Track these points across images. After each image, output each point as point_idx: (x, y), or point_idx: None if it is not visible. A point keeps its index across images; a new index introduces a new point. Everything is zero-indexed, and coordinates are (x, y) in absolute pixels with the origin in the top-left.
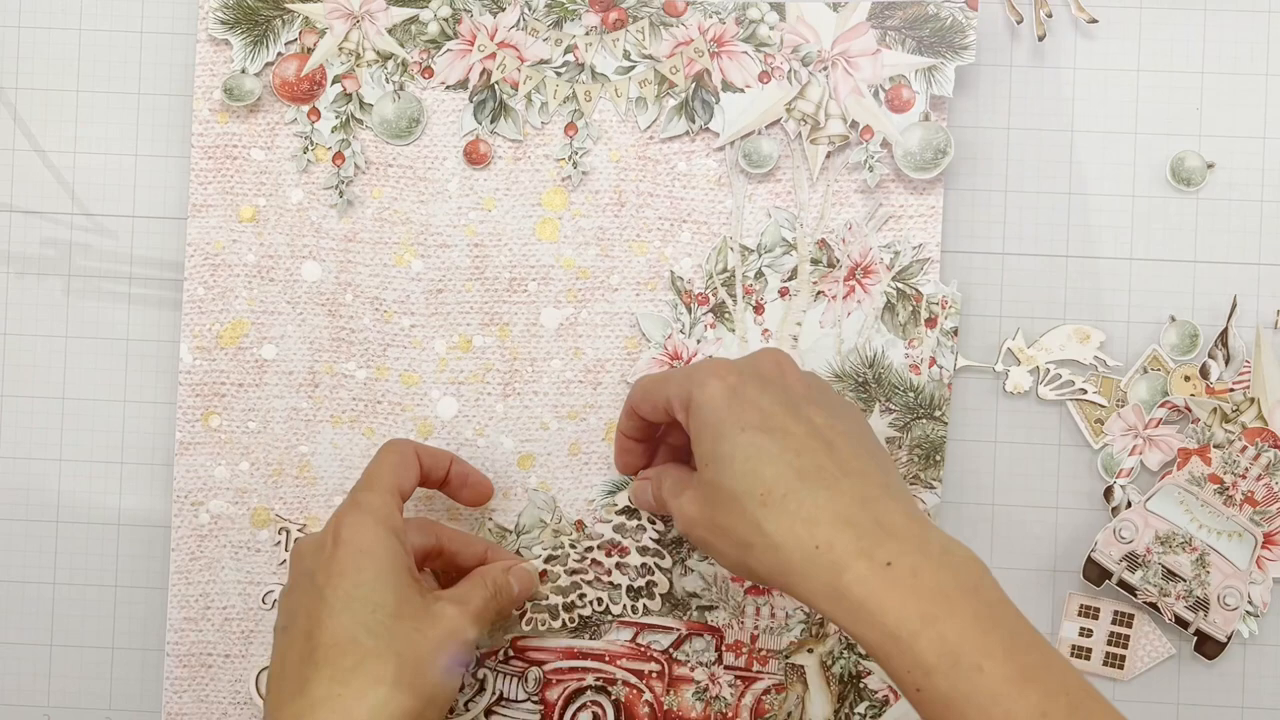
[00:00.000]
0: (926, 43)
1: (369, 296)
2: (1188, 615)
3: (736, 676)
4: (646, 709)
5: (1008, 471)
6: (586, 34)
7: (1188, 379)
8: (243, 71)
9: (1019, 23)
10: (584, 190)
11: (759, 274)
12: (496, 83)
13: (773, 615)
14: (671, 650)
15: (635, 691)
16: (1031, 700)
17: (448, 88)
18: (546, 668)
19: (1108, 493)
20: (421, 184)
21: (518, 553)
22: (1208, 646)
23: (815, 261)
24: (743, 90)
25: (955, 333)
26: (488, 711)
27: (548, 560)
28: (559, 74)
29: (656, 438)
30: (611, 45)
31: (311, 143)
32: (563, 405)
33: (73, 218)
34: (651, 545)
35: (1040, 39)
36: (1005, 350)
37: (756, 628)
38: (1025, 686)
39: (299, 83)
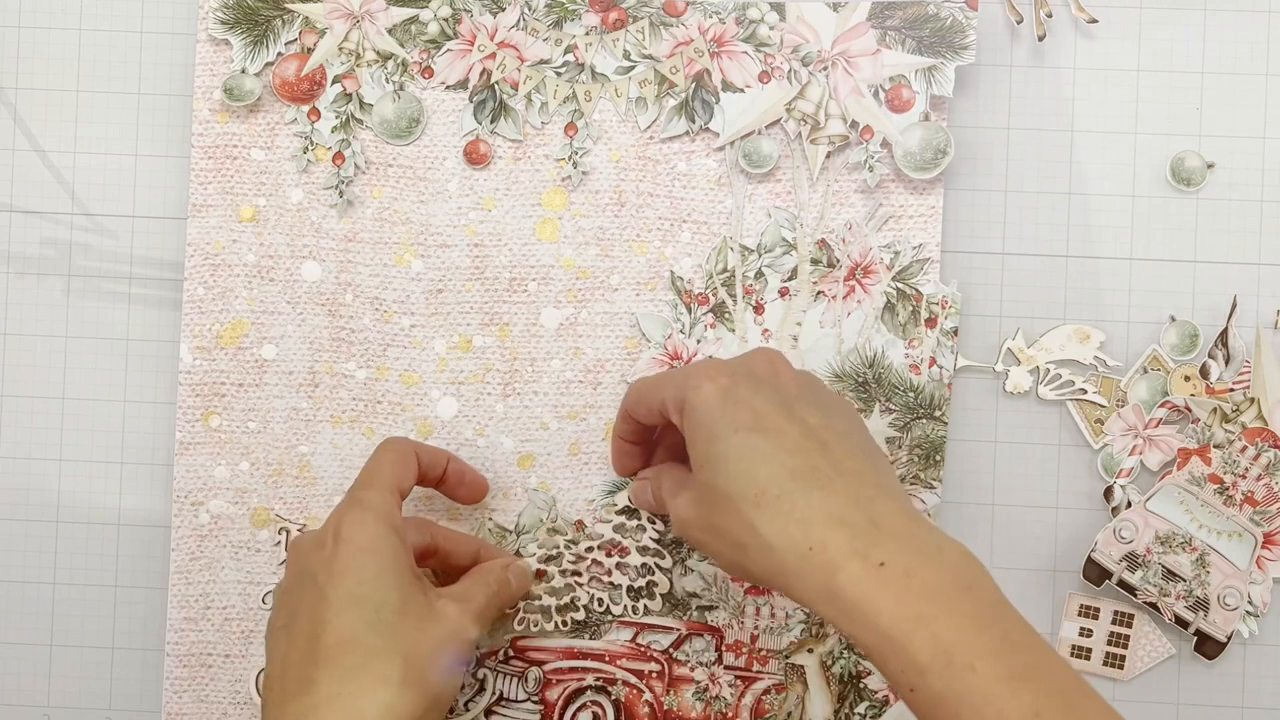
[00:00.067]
0: (926, 43)
1: (369, 296)
2: (1188, 615)
3: (736, 676)
4: (646, 709)
5: (1008, 471)
6: (586, 34)
7: (1188, 379)
8: (243, 71)
9: (1019, 23)
10: (584, 190)
11: (759, 274)
12: (496, 83)
13: (773, 615)
14: (671, 650)
15: (635, 691)
16: (1025, 700)
17: (448, 88)
18: (546, 668)
19: (1108, 493)
20: (421, 184)
21: (517, 553)
22: (1208, 646)
23: (815, 261)
24: (743, 90)
25: (955, 333)
26: (488, 711)
27: (543, 560)
28: (559, 74)
29: (654, 439)
30: (611, 45)
31: (311, 143)
32: (563, 405)
33: (73, 218)
34: (652, 545)
35: (1040, 39)
36: (1005, 350)
37: (756, 628)
38: (1018, 686)
39: (299, 83)
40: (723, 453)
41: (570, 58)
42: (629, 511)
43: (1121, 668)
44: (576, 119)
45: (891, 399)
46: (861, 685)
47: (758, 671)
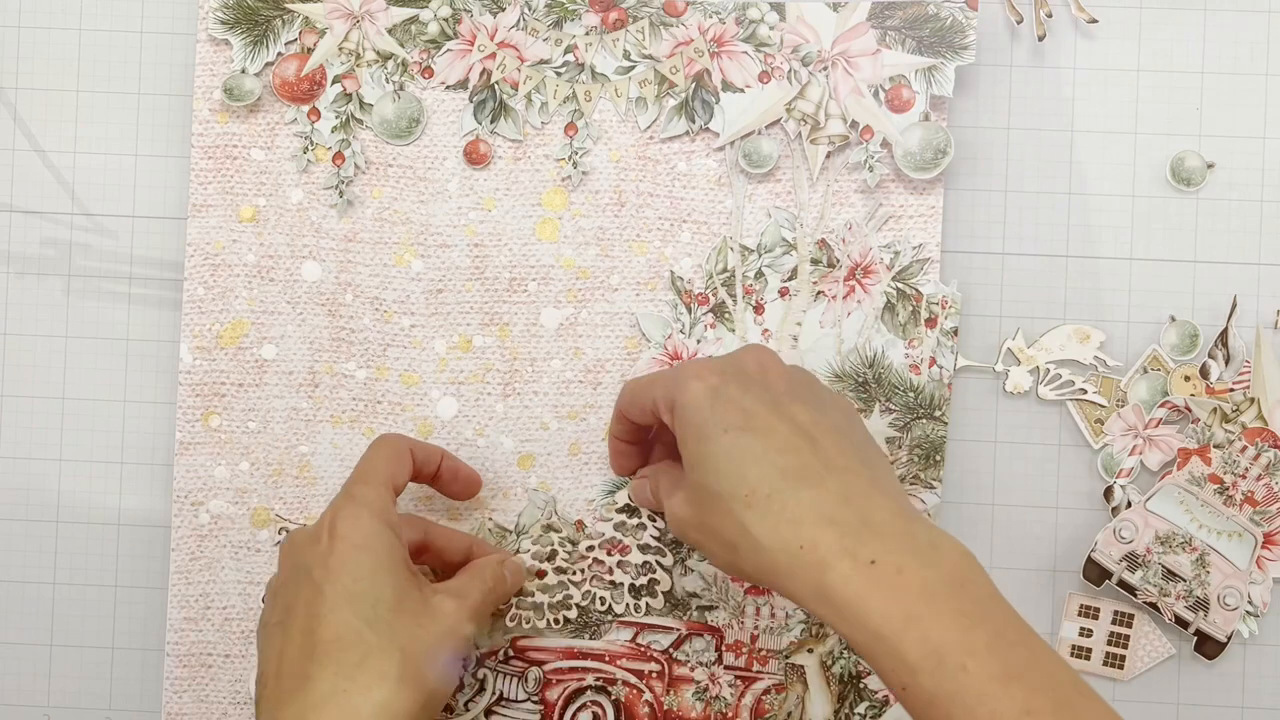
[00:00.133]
0: (926, 43)
1: (369, 296)
2: (1188, 615)
3: (736, 676)
4: (646, 709)
5: (1008, 471)
6: (586, 34)
7: (1188, 379)
8: (243, 71)
9: (1019, 23)
10: (584, 190)
11: (759, 274)
12: (496, 83)
13: (773, 615)
14: (671, 650)
15: (635, 691)
16: (1016, 699)
17: (448, 88)
18: (546, 668)
19: (1108, 493)
20: (421, 184)
21: (516, 552)
22: (1208, 646)
23: (815, 261)
24: (743, 90)
25: (955, 333)
26: (488, 711)
27: (537, 557)
28: (559, 74)
29: (651, 438)
30: (611, 45)
31: (311, 143)
32: (563, 405)
33: (73, 218)
34: (653, 543)
35: (1040, 39)
36: (1005, 350)
37: (756, 628)
38: (1010, 685)
39: (299, 83)
40: (712, 453)
41: (570, 58)
42: (629, 510)
43: (1121, 668)
44: (576, 119)
45: (891, 399)
46: (861, 685)
47: (758, 671)
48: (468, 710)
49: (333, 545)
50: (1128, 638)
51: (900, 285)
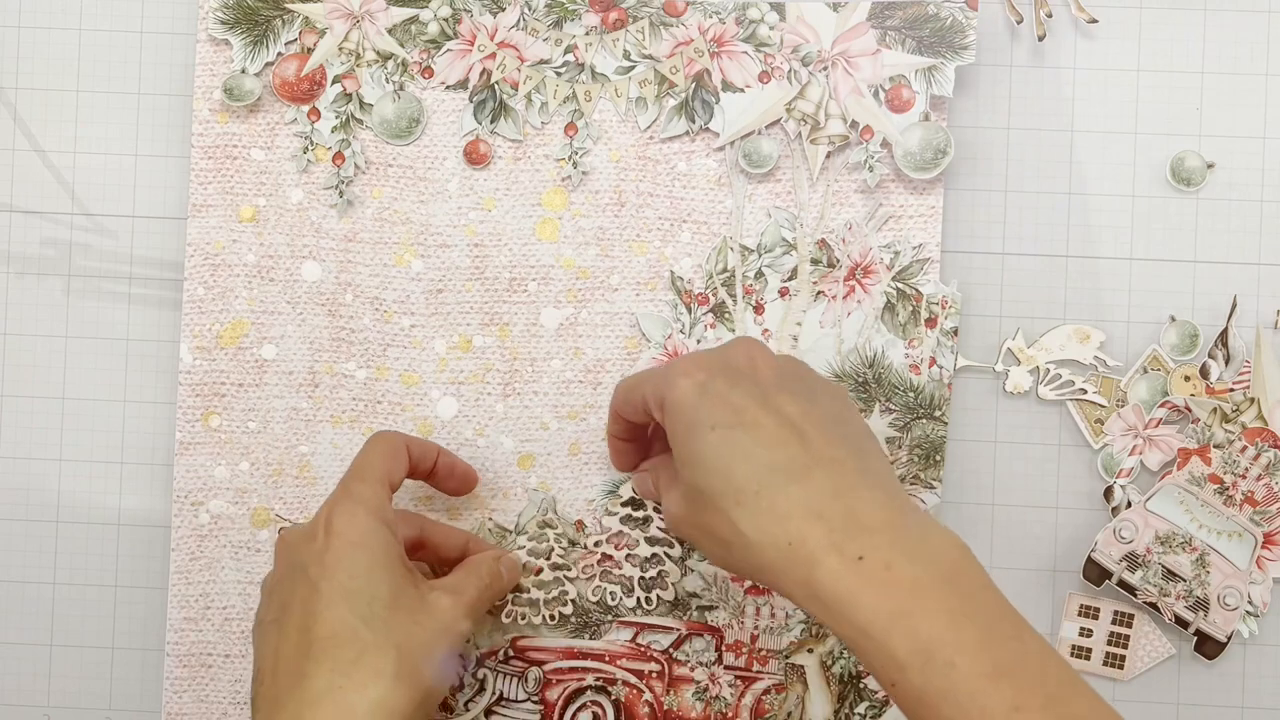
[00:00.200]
0: (926, 43)
1: (369, 296)
2: (1188, 615)
3: (736, 676)
4: (646, 709)
5: (1008, 471)
6: (586, 34)
7: (1188, 379)
8: (243, 71)
9: (1019, 23)
10: (584, 190)
11: (759, 274)
12: (496, 83)
13: (773, 615)
14: (671, 650)
15: (635, 691)
16: (1005, 696)
17: (448, 88)
18: (546, 668)
19: (1108, 493)
20: (421, 184)
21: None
22: (1208, 646)
23: (815, 261)
24: (743, 90)
25: (955, 333)
26: (488, 711)
27: (533, 554)
28: (559, 74)
29: (649, 434)
30: (611, 45)
31: (311, 143)
32: (563, 405)
33: (73, 218)
34: (660, 535)
35: (1040, 39)
36: (1005, 350)
37: (756, 628)
38: (999, 681)
39: (299, 83)
40: (701, 450)
41: (570, 58)
42: (634, 503)
43: (1121, 668)
44: (576, 119)
45: (891, 399)
46: (861, 685)
47: (758, 671)
48: (468, 710)
49: (329, 542)
50: (1128, 638)
51: (900, 285)
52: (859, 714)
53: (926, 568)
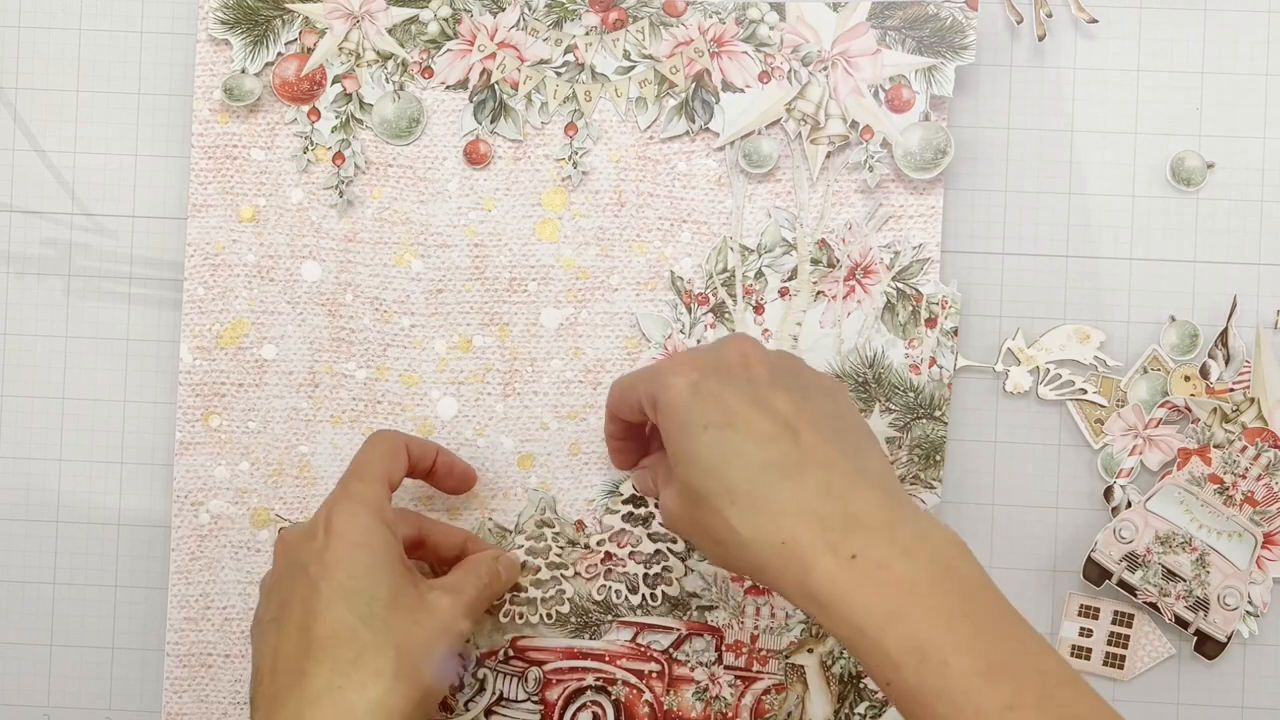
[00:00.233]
0: (926, 43)
1: (369, 296)
2: (1188, 615)
3: (736, 676)
4: (646, 709)
5: (1008, 471)
6: (586, 34)
7: (1188, 379)
8: (243, 71)
9: (1019, 23)
10: (584, 190)
11: (759, 274)
12: (496, 83)
13: (773, 615)
14: (671, 650)
15: (635, 691)
16: (999, 695)
17: (448, 88)
18: (546, 668)
19: (1108, 493)
20: (421, 184)
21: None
22: (1208, 646)
23: (815, 261)
24: (743, 90)
25: (955, 333)
26: (488, 711)
27: (530, 553)
28: (559, 74)
29: (647, 431)
30: (611, 45)
31: (311, 143)
32: (563, 405)
33: (73, 218)
34: (662, 531)
35: (1040, 39)
36: (1005, 350)
37: (756, 628)
38: (993, 680)
39: (299, 83)
40: (694, 450)
41: (570, 58)
42: (635, 500)
43: (1121, 668)
44: (576, 119)
45: (891, 399)
46: (861, 685)
47: (758, 671)
48: (468, 710)
49: (328, 541)
50: (1128, 638)
51: (900, 285)
52: (859, 714)
53: (921, 566)
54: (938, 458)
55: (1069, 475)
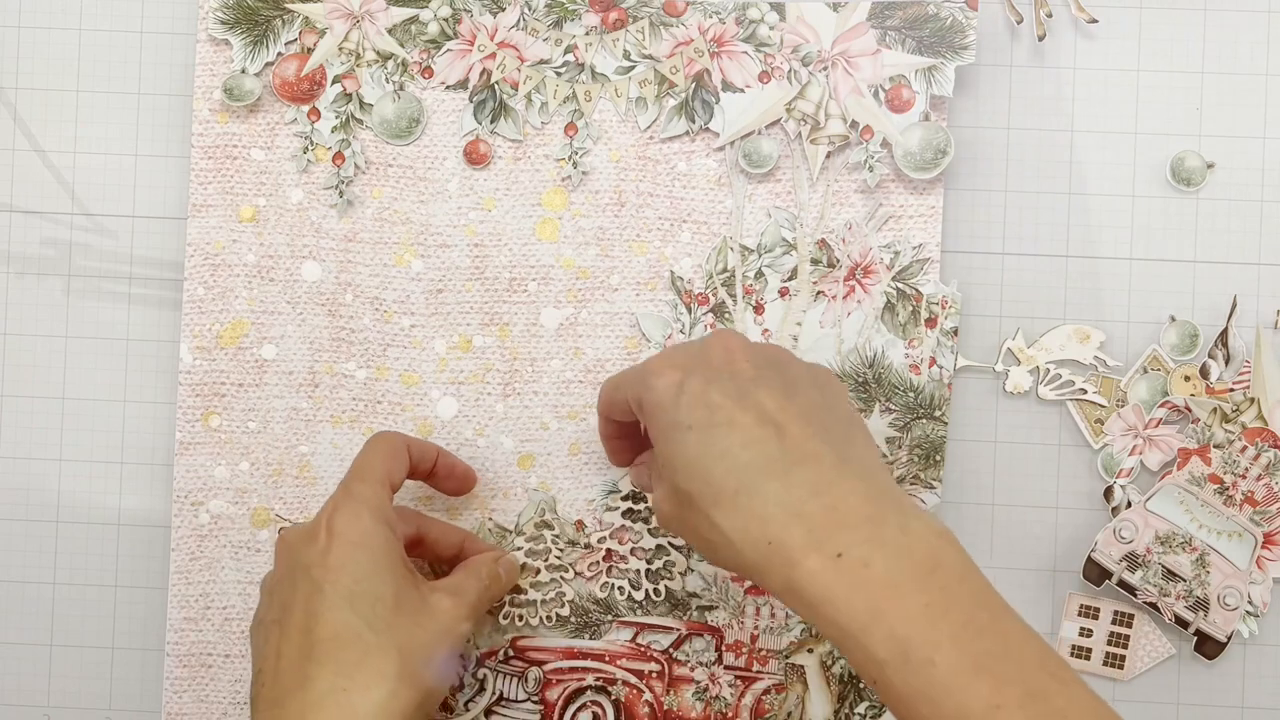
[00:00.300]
0: (926, 43)
1: (369, 296)
2: (1188, 615)
3: (736, 676)
4: (646, 709)
5: (1008, 471)
6: (586, 34)
7: (1188, 379)
8: (243, 71)
9: (1019, 23)
10: (584, 190)
11: (759, 274)
12: (496, 83)
13: (773, 615)
14: (671, 650)
15: (635, 691)
16: (984, 692)
17: (448, 88)
18: (546, 668)
19: (1108, 493)
20: (421, 184)
21: (512, 550)
22: (1208, 646)
23: (815, 261)
24: (743, 90)
25: (955, 333)
26: (488, 711)
27: (530, 555)
28: (559, 74)
29: (641, 430)
30: (611, 45)
31: (311, 143)
32: (563, 405)
33: (73, 218)
34: None
35: (1040, 39)
36: (1005, 350)
37: (756, 628)
38: (978, 678)
39: (299, 83)
40: (680, 453)
41: (570, 58)
42: (634, 497)
43: (1121, 668)
44: (576, 119)
45: (891, 399)
46: (861, 685)
47: (758, 671)
48: (468, 710)
49: (331, 543)
50: (1128, 638)
51: (900, 285)
52: (859, 714)
53: (906, 562)
54: (938, 458)
55: (1069, 475)
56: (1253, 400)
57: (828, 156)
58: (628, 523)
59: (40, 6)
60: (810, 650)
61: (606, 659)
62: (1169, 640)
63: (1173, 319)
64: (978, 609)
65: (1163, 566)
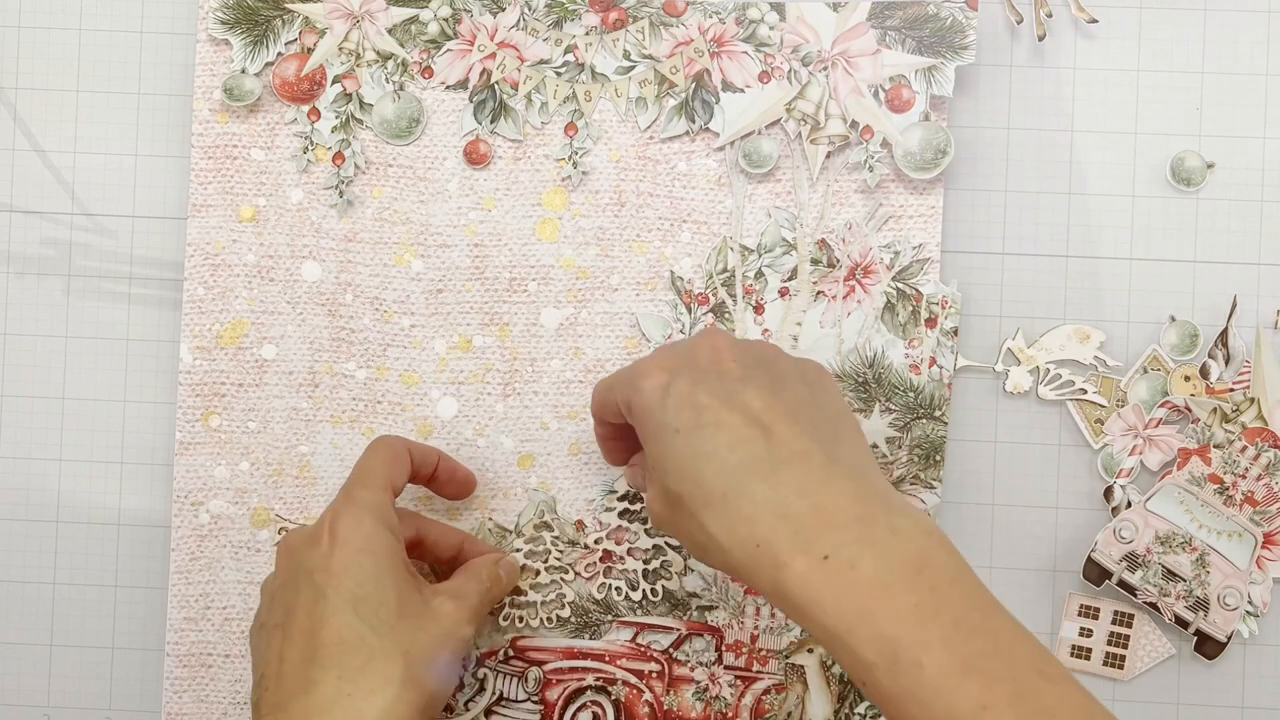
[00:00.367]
0: (926, 43)
1: (369, 296)
2: (1188, 615)
3: (736, 676)
4: (646, 709)
5: (1008, 471)
6: (586, 34)
7: (1188, 379)
8: (243, 71)
9: (1019, 23)
10: (584, 190)
11: (759, 274)
12: (496, 83)
13: (773, 615)
14: (671, 650)
15: (635, 691)
16: (973, 693)
17: (448, 88)
18: (546, 668)
19: (1108, 493)
20: (421, 184)
21: (512, 552)
22: (1208, 646)
23: (815, 261)
24: (743, 90)
25: (955, 333)
26: (488, 711)
27: (529, 557)
28: (559, 74)
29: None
30: (611, 45)
31: (311, 143)
32: (563, 405)
33: (73, 218)
34: None
35: (1040, 39)
36: (1005, 350)
37: (756, 628)
38: (967, 678)
39: (299, 83)
40: (668, 455)
41: (570, 58)
42: (631, 496)
43: (1121, 668)
44: (576, 119)
45: (891, 399)
46: None
47: (758, 671)
48: (468, 710)
49: (334, 548)
50: (1128, 638)
51: (900, 285)
52: (859, 714)
53: (893, 563)
54: (938, 458)
55: (1069, 475)
56: (1253, 400)
57: (828, 156)
58: (624, 523)
59: (40, 6)
60: (810, 650)
61: (606, 659)
62: (1169, 640)
63: (1173, 319)
64: (968, 609)
65: (1163, 566)
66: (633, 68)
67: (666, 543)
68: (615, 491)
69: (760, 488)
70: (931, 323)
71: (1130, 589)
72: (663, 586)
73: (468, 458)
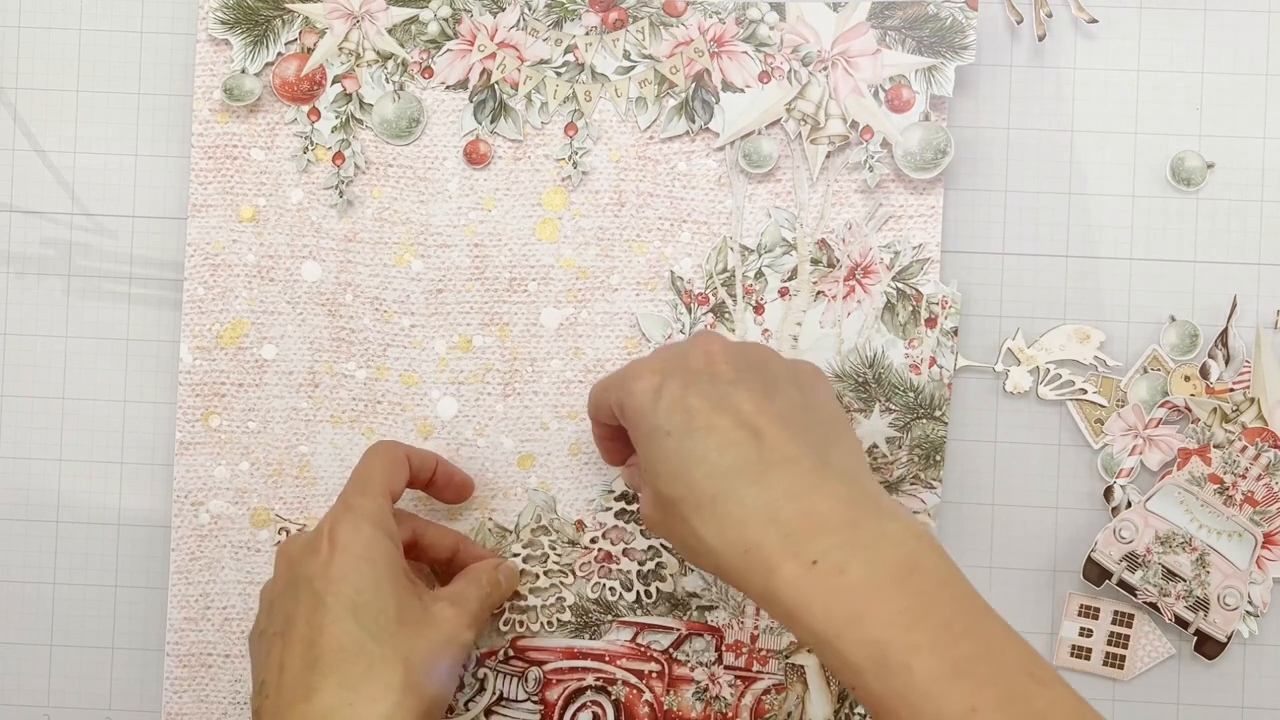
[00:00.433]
0: (926, 43)
1: (369, 296)
2: (1188, 615)
3: (736, 676)
4: (646, 709)
5: (1008, 471)
6: (586, 34)
7: (1188, 379)
8: (243, 71)
9: (1019, 23)
10: (584, 190)
11: (759, 274)
12: (496, 83)
13: None
14: (671, 650)
15: (635, 691)
16: (961, 697)
17: (448, 88)
18: (546, 668)
19: (1108, 493)
20: (421, 184)
21: (511, 555)
22: (1208, 646)
23: (815, 261)
24: (743, 90)
25: (955, 333)
26: (488, 711)
27: (528, 560)
28: (559, 74)
29: None
30: (611, 45)
31: (311, 143)
32: (563, 405)
33: (73, 218)
34: None
35: (1040, 39)
36: (1005, 350)
37: (756, 628)
38: (956, 682)
39: (299, 83)
40: (659, 458)
41: (570, 58)
42: (628, 496)
43: (1121, 668)
44: (576, 119)
45: (891, 399)
46: None
47: (758, 671)
48: (468, 710)
49: (333, 555)
50: (1128, 638)
51: (900, 285)
52: (859, 714)
53: (883, 566)
54: (938, 458)
55: (1069, 475)
56: (1253, 400)
57: (828, 156)
58: (621, 523)
59: (40, 6)
60: (810, 650)
61: (606, 659)
62: (1169, 640)
63: (1173, 319)
64: (957, 613)
65: (1163, 566)
66: (633, 68)
67: (661, 544)
68: (613, 491)
69: (750, 491)
70: (931, 323)
71: (1130, 589)
72: (657, 588)
73: (468, 458)
